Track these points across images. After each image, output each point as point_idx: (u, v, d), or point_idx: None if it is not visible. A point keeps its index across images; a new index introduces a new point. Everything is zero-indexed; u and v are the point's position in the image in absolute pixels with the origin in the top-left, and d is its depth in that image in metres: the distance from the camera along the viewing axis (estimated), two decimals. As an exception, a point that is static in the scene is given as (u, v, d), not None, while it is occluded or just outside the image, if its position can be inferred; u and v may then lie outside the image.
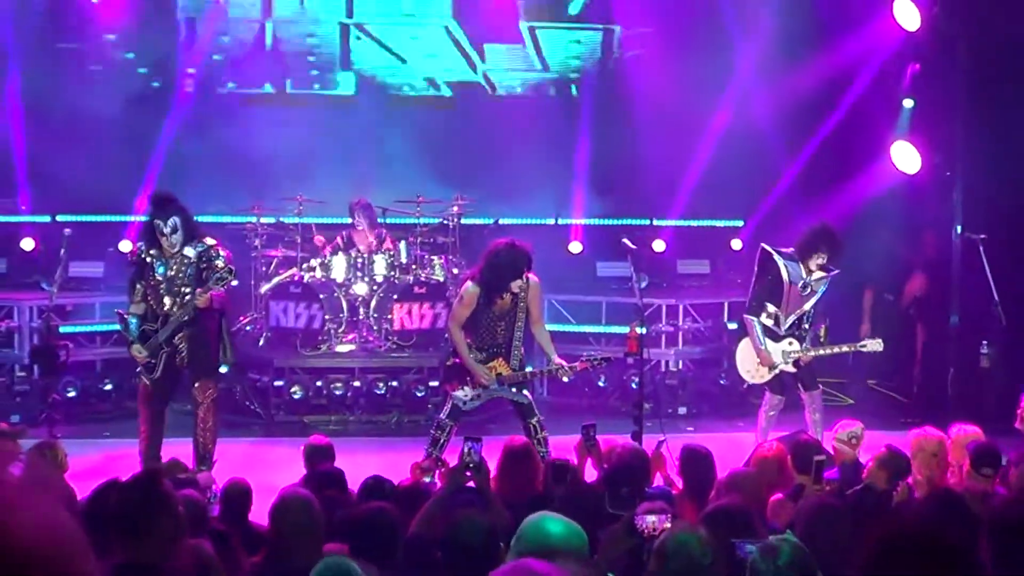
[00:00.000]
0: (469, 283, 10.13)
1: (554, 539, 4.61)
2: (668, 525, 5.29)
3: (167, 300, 10.22)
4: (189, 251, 10.23)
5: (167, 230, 10.14)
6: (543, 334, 10.41)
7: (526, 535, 4.68)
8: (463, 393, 10.19)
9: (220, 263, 10.14)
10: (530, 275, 10.06)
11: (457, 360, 10.22)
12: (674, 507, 6.58)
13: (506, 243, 10.05)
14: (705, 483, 7.69)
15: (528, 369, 10.35)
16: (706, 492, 7.58)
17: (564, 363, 10.19)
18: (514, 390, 10.22)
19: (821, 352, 11.14)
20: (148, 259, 10.26)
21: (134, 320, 10.34)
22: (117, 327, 11.34)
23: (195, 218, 10.56)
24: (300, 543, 5.58)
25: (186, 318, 10.11)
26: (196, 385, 10.40)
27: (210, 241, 10.35)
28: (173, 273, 10.22)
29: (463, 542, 5.40)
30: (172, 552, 4.74)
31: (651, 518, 5.45)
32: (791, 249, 11.10)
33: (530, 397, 10.36)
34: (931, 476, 8.48)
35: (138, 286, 10.35)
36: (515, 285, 9.99)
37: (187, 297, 10.15)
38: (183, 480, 7.71)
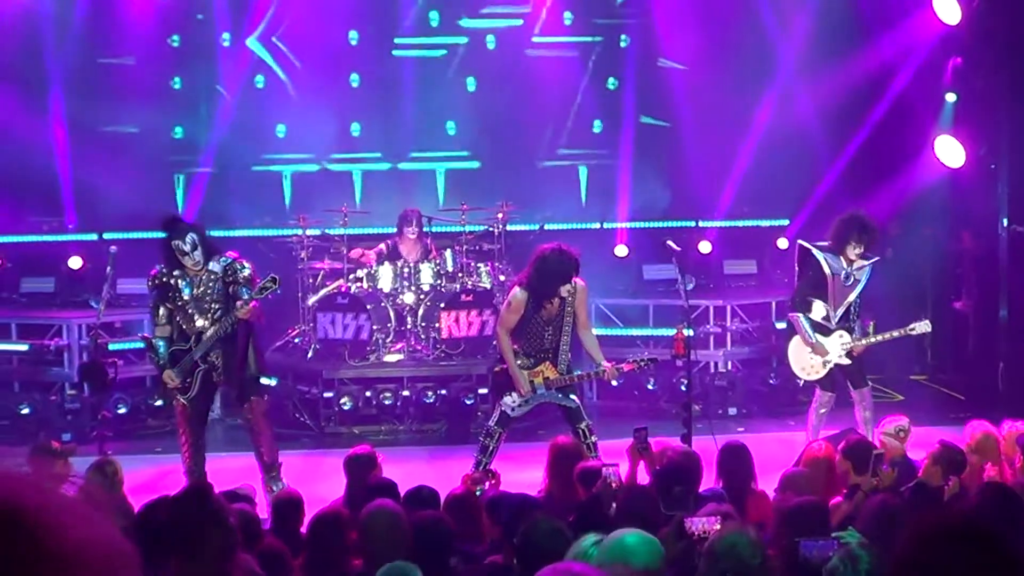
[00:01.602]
0: (517, 289, 10.18)
1: (635, 559, 4.60)
2: (718, 527, 5.28)
3: (198, 318, 10.22)
4: (214, 266, 10.23)
5: (187, 248, 10.11)
6: (590, 339, 10.41)
7: (610, 551, 4.68)
8: (511, 399, 10.23)
9: (246, 273, 10.19)
10: (577, 280, 10.10)
11: (504, 366, 10.26)
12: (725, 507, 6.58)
13: (553, 248, 10.07)
14: (743, 480, 7.68)
15: (575, 373, 10.35)
16: (744, 489, 7.58)
17: (610, 365, 10.20)
18: (561, 395, 10.23)
19: (873, 340, 11.13)
20: (172, 280, 10.23)
21: (162, 343, 10.33)
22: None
23: (209, 233, 10.64)
24: (388, 556, 5.54)
25: (224, 333, 10.13)
26: (244, 406, 10.46)
27: (231, 255, 10.40)
28: (200, 291, 10.21)
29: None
30: (225, 566, 4.74)
31: (701, 520, 5.45)
32: (828, 242, 11.09)
33: (578, 401, 10.37)
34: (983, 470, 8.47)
35: (162, 309, 10.32)
36: (563, 290, 10.02)
37: (218, 313, 10.18)
38: (232, 494, 7.71)
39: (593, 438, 10.10)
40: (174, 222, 10.39)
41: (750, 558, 4.72)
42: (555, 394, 10.22)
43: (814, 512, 5.58)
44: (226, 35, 15.85)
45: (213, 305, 10.21)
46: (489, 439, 10.27)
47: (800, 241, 11.49)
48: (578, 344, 10.45)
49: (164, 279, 10.27)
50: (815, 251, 11.12)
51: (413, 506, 6.65)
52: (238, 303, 10.01)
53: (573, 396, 10.31)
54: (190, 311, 10.23)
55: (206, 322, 10.20)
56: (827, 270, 11.02)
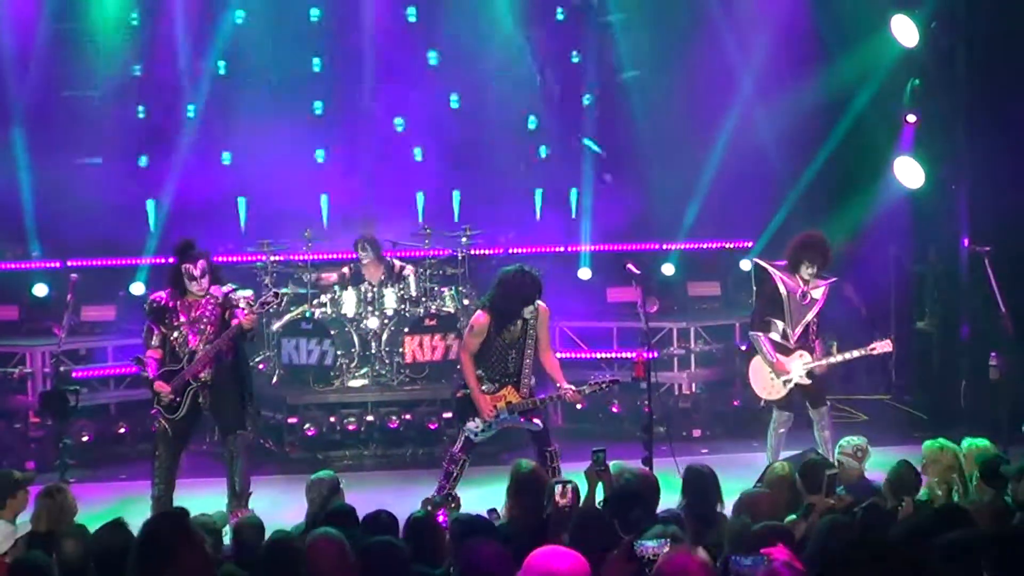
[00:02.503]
0: (480, 312, 10.28)
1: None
2: (667, 549, 5.30)
3: (192, 339, 10.34)
4: (215, 289, 10.43)
5: (197, 273, 10.31)
6: (552, 361, 10.48)
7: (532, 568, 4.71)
8: (474, 424, 10.34)
9: (248, 293, 10.50)
10: (540, 303, 10.20)
11: (467, 391, 10.33)
12: (686, 531, 6.60)
13: (516, 270, 10.22)
14: (709, 502, 7.71)
15: (537, 397, 10.40)
16: (710, 511, 7.60)
17: (572, 388, 10.25)
18: (524, 419, 10.31)
19: (834, 360, 11.20)
20: (171, 304, 10.36)
21: (153, 363, 10.40)
22: (131, 370, 11.45)
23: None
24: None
25: (216, 351, 10.24)
26: (229, 438, 10.55)
27: (232, 285, 10.60)
28: (197, 314, 10.36)
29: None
30: None
31: (651, 543, 5.46)
32: (784, 262, 11.20)
33: (543, 424, 10.40)
34: (948, 489, 8.51)
35: (155, 333, 10.43)
36: (526, 311, 10.11)
37: (211, 336, 10.28)
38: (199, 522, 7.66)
39: (557, 463, 10.18)
40: (188, 247, 10.49)
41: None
42: (517, 418, 10.29)
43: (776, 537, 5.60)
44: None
45: (207, 328, 10.34)
46: (453, 465, 10.36)
47: (756, 260, 11.62)
48: (540, 367, 10.50)
49: (162, 304, 10.40)
50: (771, 269, 11.25)
51: (371, 531, 6.66)
52: (244, 311, 10.18)
53: (537, 420, 10.37)
54: (185, 333, 10.33)
55: (198, 343, 10.30)
56: (783, 289, 11.12)
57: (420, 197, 16.37)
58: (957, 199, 14.47)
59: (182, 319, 10.35)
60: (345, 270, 14.62)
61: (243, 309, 10.25)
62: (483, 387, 10.27)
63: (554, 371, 10.46)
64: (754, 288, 11.54)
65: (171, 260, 10.70)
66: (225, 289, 10.46)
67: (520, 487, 7.93)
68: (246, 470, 10.61)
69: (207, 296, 10.38)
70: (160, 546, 4.70)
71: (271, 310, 10.46)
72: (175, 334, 10.36)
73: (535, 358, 10.34)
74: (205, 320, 10.35)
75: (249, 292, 10.58)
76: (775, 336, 11.13)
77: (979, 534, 5.33)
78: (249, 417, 10.64)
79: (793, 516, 7.39)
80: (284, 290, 11.49)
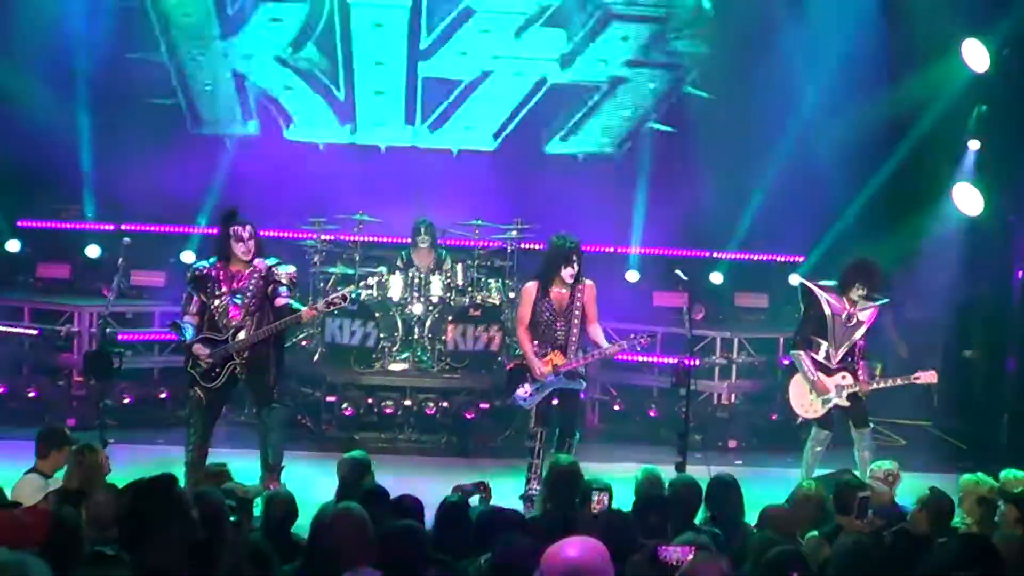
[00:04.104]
0: (527, 284, 11.09)
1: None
2: (691, 556, 5.29)
3: (232, 310, 10.38)
4: (259, 263, 10.42)
5: (245, 235, 10.35)
6: (597, 331, 11.03)
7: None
8: (522, 391, 10.94)
9: (291, 270, 10.52)
10: (587, 280, 10.91)
11: (516, 362, 11.06)
12: (717, 542, 6.57)
13: (554, 235, 11.10)
14: (733, 512, 7.69)
15: (580, 354, 10.92)
16: (733, 521, 7.58)
17: (609, 345, 10.99)
18: (568, 379, 10.92)
19: (876, 386, 11.13)
20: (214, 273, 10.41)
21: (190, 328, 10.45)
22: (175, 337, 11.54)
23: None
24: (350, 559, 5.56)
25: (261, 337, 10.30)
26: (264, 411, 10.60)
27: (275, 259, 10.58)
28: (240, 285, 10.38)
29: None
30: (182, 556, 4.77)
31: (675, 550, 5.46)
32: (835, 282, 11.14)
33: (585, 384, 11.30)
34: (979, 521, 8.42)
35: (195, 300, 10.47)
36: (567, 274, 10.74)
37: (253, 307, 10.32)
38: (228, 491, 7.70)
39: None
40: (235, 212, 10.58)
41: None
42: (563, 379, 10.85)
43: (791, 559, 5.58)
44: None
45: (250, 301, 10.36)
46: (532, 441, 11.05)
47: (802, 280, 11.57)
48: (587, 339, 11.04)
49: (203, 271, 10.44)
50: (817, 291, 11.19)
51: (394, 514, 6.68)
52: (306, 308, 10.35)
53: (582, 380, 11.12)
54: (226, 302, 10.37)
55: (240, 315, 10.33)
56: (827, 310, 11.07)
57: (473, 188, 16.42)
58: (1015, 230, 14.34)
59: (223, 289, 10.36)
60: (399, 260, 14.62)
61: (285, 288, 10.29)
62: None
63: (597, 337, 11.00)
64: (801, 307, 11.49)
65: (215, 229, 10.75)
66: (269, 262, 10.45)
67: (557, 480, 7.96)
68: (279, 444, 10.66)
69: (251, 268, 10.40)
70: (145, 513, 4.75)
71: (335, 312, 10.54)
72: (216, 303, 10.37)
73: (582, 329, 10.87)
74: (249, 292, 10.36)
75: (292, 268, 10.55)
76: (818, 356, 11.09)
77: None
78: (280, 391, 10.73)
79: (815, 533, 7.35)
80: (355, 293, 11.44)
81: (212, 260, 10.52)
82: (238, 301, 10.36)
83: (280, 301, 10.30)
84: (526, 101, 16.53)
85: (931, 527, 7.72)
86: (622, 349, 11.17)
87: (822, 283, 11.28)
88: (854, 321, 11.05)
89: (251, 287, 10.38)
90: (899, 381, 11.21)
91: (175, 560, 4.78)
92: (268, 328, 10.29)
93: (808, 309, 11.27)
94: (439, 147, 16.55)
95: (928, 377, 11.13)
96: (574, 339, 10.84)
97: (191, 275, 10.59)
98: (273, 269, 10.41)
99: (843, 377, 11.08)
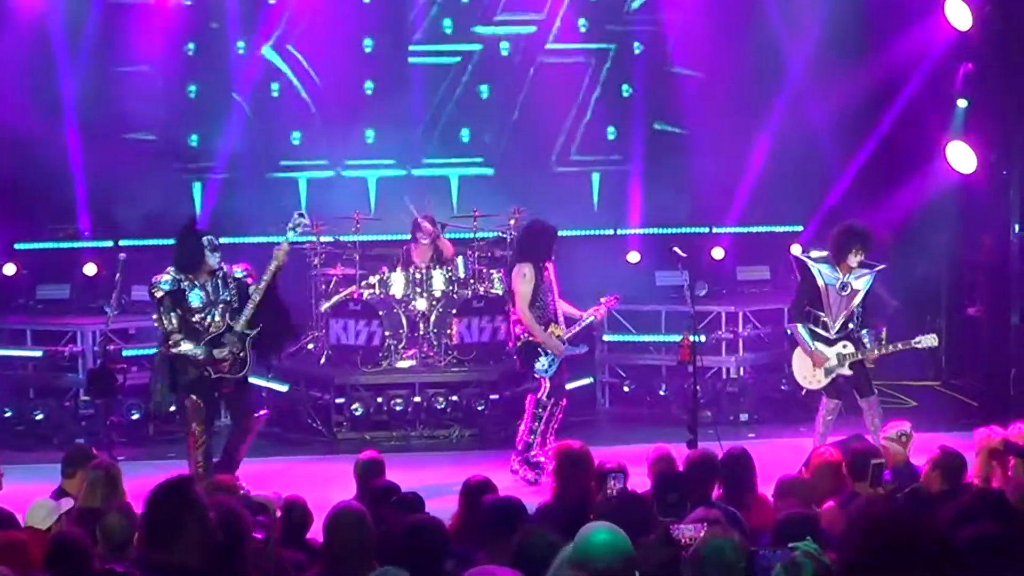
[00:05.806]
0: (517, 267, 11.56)
1: (597, 563, 4.64)
2: (703, 533, 5.30)
3: (216, 316, 10.44)
4: (228, 267, 10.56)
5: (218, 243, 10.50)
6: (561, 303, 11.83)
7: (575, 552, 4.72)
8: (541, 364, 11.54)
9: (240, 265, 10.67)
10: None
11: (523, 340, 11.57)
12: (730, 518, 6.57)
13: (529, 221, 12.09)
14: (744, 486, 7.70)
15: (582, 323, 11.89)
16: (744, 494, 7.59)
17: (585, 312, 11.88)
18: (574, 347, 11.77)
19: (877, 353, 11.10)
20: (182, 287, 10.38)
21: (190, 344, 10.43)
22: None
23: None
24: (352, 558, 5.63)
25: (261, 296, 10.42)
26: (244, 421, 10.82)
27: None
28: (210, 291, 10.44)
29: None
30: (201, 557, 4.78)
31: (688, 527, 5.47)
32: (827, 252, 11.10)
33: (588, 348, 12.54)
34: (987, 475, 8.45)
35: (174, 317, 10.37)
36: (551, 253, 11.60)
37: (235, 304, 10.45)
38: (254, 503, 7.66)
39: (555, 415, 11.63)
40: (196, 223, 10.72)
41: (735, 561, 4.76)
42: (569, 347, 11.66)
43: (802, 524, 5.59)
44: (241, 43, 15.92)
45: (231, 302, 10.49)
46: (541, 409, 11.57)
47: (793, 252, 11.55)
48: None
49: (176, 286, 10.39)
50: (809, 263, 11.14)
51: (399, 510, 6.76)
52: (276, 248, 10.48)
53: (584, 344, 12.18)
54: (206, 312, 10.40)
55: (226, 316, 10.43)
56: (820, 281, 11.02)
57: (457, 178, 16.46)
58: (1008, 185, 14.33)
59: (199, 303, 10.42)
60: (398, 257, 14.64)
61: (250, 273, 10.51)
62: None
63: (571, 308, 11.89)
64: (797, 279, 11.48)
65: (182, 239, 10.61)
66: (227, 268, 10.55)
67: (569, 465, 7.96)
68: (247, 449, 10.89)
69: (217, 276, 10.47)
70: (165, 519, 4.76)
71: (300, 231, 10.69)
72: (195, 317, 10.41)
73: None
74: (227, 296, 10.49)
75: (242, 265, 10.67)
76: (815, 327, 11.06)
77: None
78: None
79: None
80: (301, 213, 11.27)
81: (176, 274, 10.42)
82: (217, 305, 10.45)
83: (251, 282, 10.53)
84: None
85: (944, 485, 7.74)
86: (601, 313, 12.11)
87: (813, 254, 11.25)
88: (849, 290, 11.01)
89: (225, 291, 10.50)
90: (900, 346, 11.17)
91: (195, 559, 4.78)
92: (259, 287, 10.42)
93: (802, 281, 11.24)
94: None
95: (928, 341, 11.07)
96: (558, 311, 11.67)
97: (163, 293, 10.40)
98: (236, 269, 10.59)
99: (844, 346, 11.05)
